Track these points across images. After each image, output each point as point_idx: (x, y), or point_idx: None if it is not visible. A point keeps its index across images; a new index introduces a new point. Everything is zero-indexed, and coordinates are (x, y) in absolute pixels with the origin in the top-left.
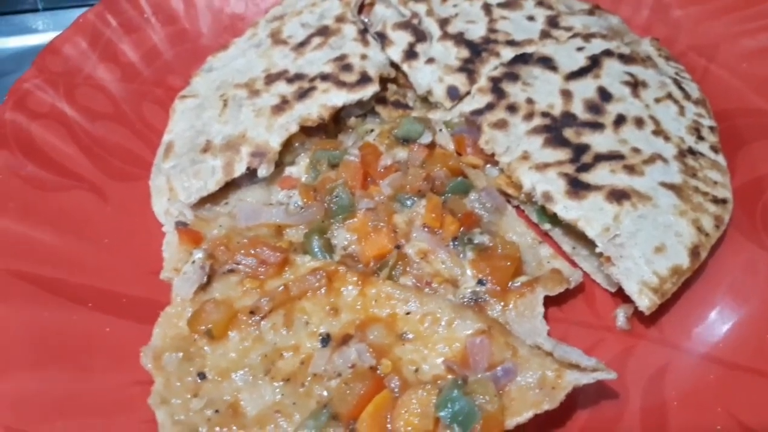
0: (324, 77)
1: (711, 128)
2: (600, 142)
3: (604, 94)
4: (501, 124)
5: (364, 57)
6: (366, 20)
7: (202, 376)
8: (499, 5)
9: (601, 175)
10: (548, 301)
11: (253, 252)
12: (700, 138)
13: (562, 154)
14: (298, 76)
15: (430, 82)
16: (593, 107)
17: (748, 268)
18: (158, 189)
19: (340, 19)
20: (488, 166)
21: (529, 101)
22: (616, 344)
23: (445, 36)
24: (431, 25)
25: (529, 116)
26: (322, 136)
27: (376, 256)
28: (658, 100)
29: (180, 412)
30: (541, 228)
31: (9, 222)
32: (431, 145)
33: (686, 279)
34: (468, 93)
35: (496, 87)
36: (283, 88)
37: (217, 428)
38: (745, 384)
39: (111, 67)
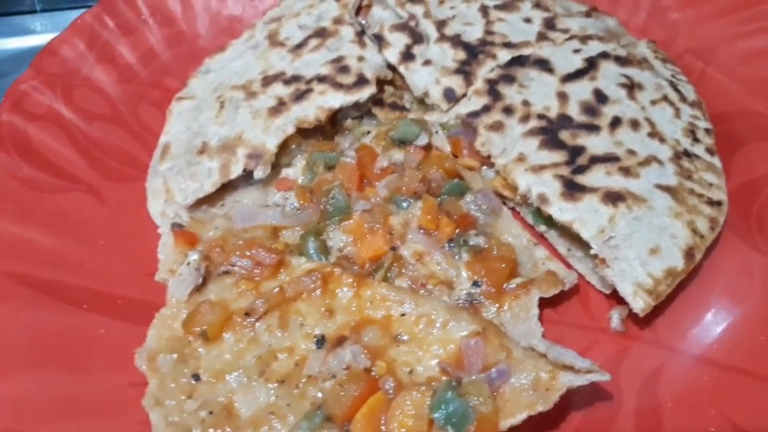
0: (321, 79)
1: (707, 130)
2: (596, 144)
3: (600, 96)
4: (497, 126)
5: (361, 59)
6: (363, 22)
7: (196, 377)
8: (496, 7)
9: (596, 177)
10: (543, 303)
11: (248, 254)
12: (696, 140)
13: (558, 156)
14: (295, 78)
15: (426, 84)
16: (589, 109)
17: (742, 270)
18: (155, 190)
19: (337, 20)
20: (484, 168)
21: (525, 103)
22: (611, 346)
23: (442, 38)
24: (428, 27)
25: (525, 118)
26: (319, 138)
27: (371, 257)
28: (654, 103)
29: (174, 413)
30: (537, 230)
31: (5, 223)
32: (427, 147)
33: (681, 281)
34: (464, 95)
35: (492, 89)
36: (280, 89)
37: (211, 430)
38: (740, 386)
39: (108, 68)
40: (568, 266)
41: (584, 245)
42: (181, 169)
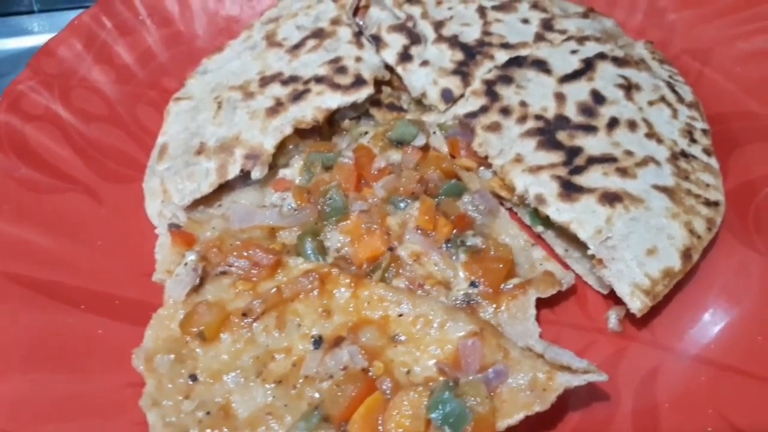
0: (318, 79)
1: (704, 131)
2: (593, 144)
3: (598, 97)
4: (494, 127)
5: (358, 59)
6: (361, 23)
7: (193, 378)
8: (494, 8)
9: (593, 177)
10: (540, 303)
11: (245, 254)
12: (693, 141)
13: (555, 156)
14: (293, 79)
15: (424, 84)
16: (586, 110)
17: (739, 271)
18: (152, 191)
19: (335, 21)
20: (481, 168)
21: (523, 104)
22: (608, 346)
23: (440, 39)
24: (426, 28)
25: (523, 119)
26: (316, 139)
27: (369, 258)
28: (651, 103)
29: (171, 413)
30: (534, 230)
31: (2, 224)
32: (425, 148)
33: (678, 281)
34: (462, 96)
35: (489, 90)
36: (277, 90)
37: (208, 430)
38: (737, 386)
39: (106, 69)
40: (566, 267)
41: (581, 246)
42: (179, 169)
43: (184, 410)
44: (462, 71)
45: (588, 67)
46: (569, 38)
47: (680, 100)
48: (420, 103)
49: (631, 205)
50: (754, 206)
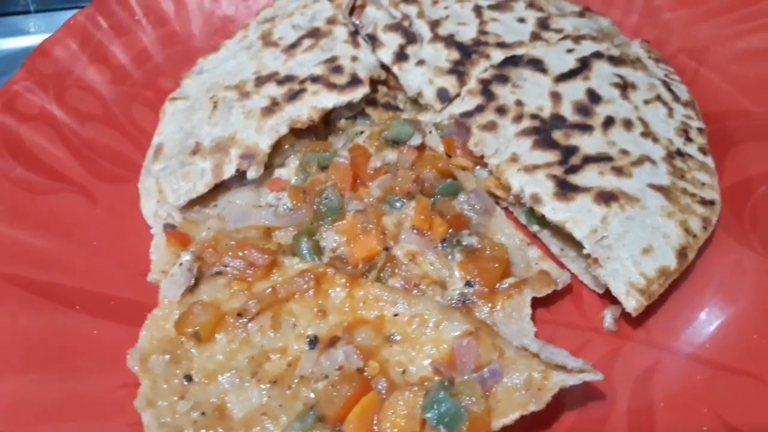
0: (314, 79)
1: (699, 130)
2: (589, 144)
3: (593, 96)
4: (490, 126)
5: (354, 59)
6: (357, 22)
7: (188, 378)
8: (490, 7)
9: (589, 176)
10: (536, 303)
11: (241, 254)
12: (689, 140)
13: (551, 156)
14: (289, 78)
15: (420, 84)
16: (582, 109)
17: (735, 269)
18: (147, 191)
19: (331, 21)
20: (477, 167)
21: (519, 103)
22: (604, 345)
23: (436, 38)
24: (422, 27)
25: (518, 118)
26: (312, 138)
27: (364, 257)
28: (647, 102)
29: (166, 414)
30: (530, 229)
31: None
32: (421, 147)
33: (674, 280)
34: (458, 95)
35: (485, 89)
36: (273, 89)
37: (203, 431)
38: (732, 385)
39: (101, 69)
40: (561, 266)
41: (577, 245)
42: (174, 169)
43: (179, 411)
44: (458, 70)
45: (584, 66)
46: (565, 37)
47: (676, 99)
48: (416, 102)
49: (627, 204)
50: (749, 205)
